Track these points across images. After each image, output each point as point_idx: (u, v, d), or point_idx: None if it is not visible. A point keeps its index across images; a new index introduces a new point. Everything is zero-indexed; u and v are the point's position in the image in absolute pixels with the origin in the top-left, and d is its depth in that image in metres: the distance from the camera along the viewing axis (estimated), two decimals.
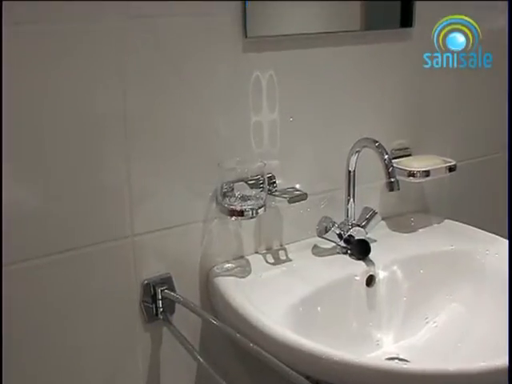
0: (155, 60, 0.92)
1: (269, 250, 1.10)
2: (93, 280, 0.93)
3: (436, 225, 1.23)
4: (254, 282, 1.01)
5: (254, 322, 0.89)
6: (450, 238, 1.17)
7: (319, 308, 0.99)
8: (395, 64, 1.18)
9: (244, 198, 0.98)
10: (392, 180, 0.99)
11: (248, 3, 0.97)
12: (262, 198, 0.99)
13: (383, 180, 1.00)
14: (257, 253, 1.09)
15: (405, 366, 0.91)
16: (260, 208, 0.98)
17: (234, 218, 0.99)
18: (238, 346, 0.91)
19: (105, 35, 0.87)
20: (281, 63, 1.04)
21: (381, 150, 1.00)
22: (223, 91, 0.99)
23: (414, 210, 1.28)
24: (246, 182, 0.99)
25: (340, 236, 1.10)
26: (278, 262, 1.08)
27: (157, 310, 0.99)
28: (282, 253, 1.10)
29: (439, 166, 1.18)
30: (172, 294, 0.98)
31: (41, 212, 0.88)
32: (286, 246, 1.11)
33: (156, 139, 0.95)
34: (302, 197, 1.05)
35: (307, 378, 0.77)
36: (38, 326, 0.91)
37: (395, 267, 1.09)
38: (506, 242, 1.10)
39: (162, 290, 0.98)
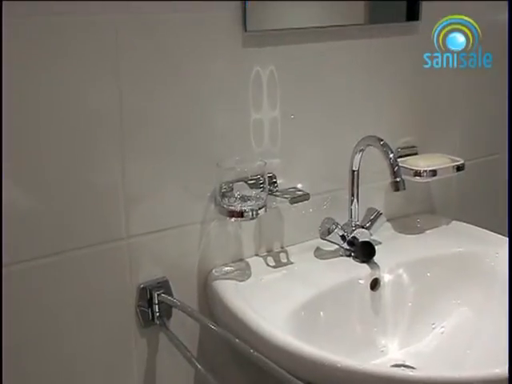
0: (152, 56, 0.92)
1: (269, 252, 1.10)
2: (87, 283, 0.93)
3: (443, 226, 1.23)
4: (254, 286, 1.00)
5: (254, 327, 0.89)
6: (457, 240, 1.16)
7: (322, 313, 0.99)
8: (401, 59, 1.18)
9: (244, 199, 0.98)
10: (397, 180, 0.98)
11: None
12: (262, 199, 0.99)
13: (388, 180, 0.99)
14: (257, 255, 1.08)
15: (410, 373, 0.91)
16: (260, 209, 0.98)
17: (233, 219, 0.99)
18: (237, 352, 0.91)
19: (100, 31, 0.87)
20: (282, 58, 1.03)
21: (386, 148, 1.00)
22: (222, 87, 0.99)
23: (420, 210, 1.27)
24: (245, 182, 0.99)
25: (343, 238, 1.09)
26: (279, 264, 1.07)
27: (153, 315, 0.99)
28: (283, 255, 1.09)
29: (447, 165, 1.17)
30: (169, 298, 0.98)
31: (34, 213, 0.88)
32: (288, 248, 1.11)
33: (152, 138, 0.95)
34: (304, 197, 1.04)
35: None
36: (31, 329, 0.90)
37: (401, 270, 1.08)
38: None
39: (158, 294, 0.98)
